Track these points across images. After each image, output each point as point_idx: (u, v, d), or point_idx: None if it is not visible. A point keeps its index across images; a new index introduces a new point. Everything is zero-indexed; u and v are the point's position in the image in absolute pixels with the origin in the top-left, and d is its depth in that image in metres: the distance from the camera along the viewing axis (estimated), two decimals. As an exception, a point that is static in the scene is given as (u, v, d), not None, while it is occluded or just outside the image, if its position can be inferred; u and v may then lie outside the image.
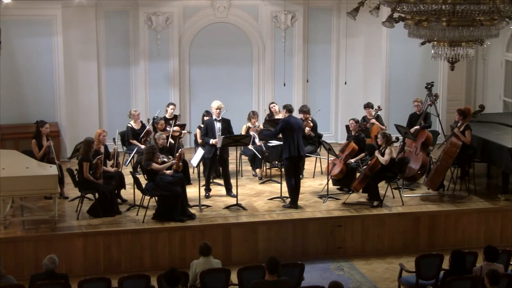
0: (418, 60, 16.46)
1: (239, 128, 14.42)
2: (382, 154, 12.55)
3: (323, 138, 14.42)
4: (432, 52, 9.80)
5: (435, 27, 9.32)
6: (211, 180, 13.54)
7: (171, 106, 14.70)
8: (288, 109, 12.83)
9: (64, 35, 15.36)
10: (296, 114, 13.68)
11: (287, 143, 12.50)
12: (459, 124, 13.28)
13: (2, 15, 14.52)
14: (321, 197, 13.20)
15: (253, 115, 14.56)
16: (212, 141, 13.08)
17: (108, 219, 12.04)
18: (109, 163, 12.79)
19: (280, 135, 12.81)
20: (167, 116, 14.56)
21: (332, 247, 12.36)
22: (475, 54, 14.66)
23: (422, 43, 10.10)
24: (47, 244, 11.39)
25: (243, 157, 14.69)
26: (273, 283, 8.57)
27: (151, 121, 14.28)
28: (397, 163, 12.84)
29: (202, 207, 12.56)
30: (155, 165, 12.02)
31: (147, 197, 12.23)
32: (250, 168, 14.63)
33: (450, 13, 9.09)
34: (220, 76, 16.54)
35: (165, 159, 12.50)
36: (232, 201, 12.85)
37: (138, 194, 12.39)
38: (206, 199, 13.03)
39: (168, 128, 13.95)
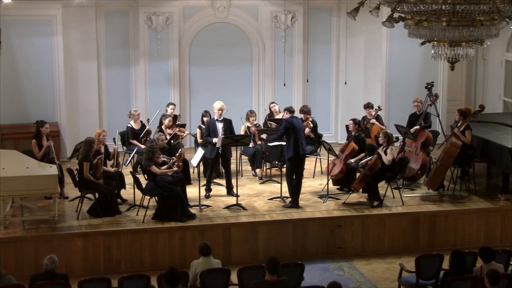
0: (418, 60, 16.46)
1: (239, 128, 14.41)
2: (385, 154, 12.56)
3: (323, 138, 14.42)
4: (432, 52, 9.80)
5: (435, 27, 9.32)
6: (211, 180, 13.53)
7: (171, 106, 14.71)
8: (290, 110, 12.86)
9: (64, 35, 15.36)
10: (296, 114, 13.67)
11: (291, 143, 12.50)
12: (459, 124, 13.28)
13: (2, 15, 14.53)
14: (321, 197, 13.20)
15: (251, 114, 14.58)
16: (215, 139, 13.08)
17: (108, 219, 12.04)
18: (109, 163, 12.79)
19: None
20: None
21: (332, 247, 12.36)
22: (475, 54, 14.66)
23: (422, 43, 10.11)
24: (47, 244, 11.39)
25: (243, 157, 14.70)
26: (273, 283, 8.57)
27: (151, 121, 14.29)
28: (397, 163, 12.84)
29: (202, 207, 12.56)
30: (154, 168, 11.99)
31: (147, 197, 12.23)
32: (250, 168, 14.63)
33: (450, 13, 9.09)
34: (220, 76, 16.55)
35: (165, 159, 12.50)
36: (232, 201, 12.85)
37: (138, 194, 12.39)
38: (206, 199, 13.03)
39: (169, 130, 13.98)
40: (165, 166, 12.38)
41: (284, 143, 13.26)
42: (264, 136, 13.95)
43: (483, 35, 9.43)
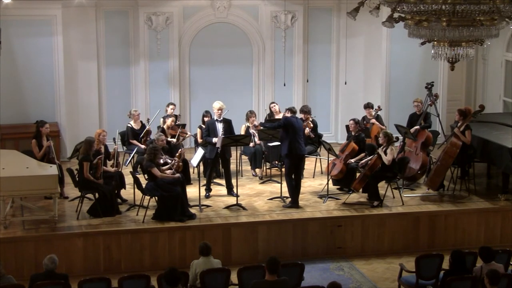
0: (418, 60, 16.46)
1: (239, 128, 14.42)
2: (385, 154, 12.56)
3: (323, 138, 14.42)
4: (432, 52, 9.80)
5: (435, 27, 9.32)
6: (211, 180, 13.52)
7: (171, 106, 14.71)
8: (291, 110, 12.88)
9: (64, 35, 15.36)
10: (296, 114, 13.66)
11: (287, 141, 12.52)
12: (459, 124, 13.28)
13: (2, 15, 14.52)
14: (321, 197, 13.20)
15: (251, 114, 14.58)
16: (215, 139, 13.09)
17: (108, 219, 12.04)
18: (109, 163, 12.79)
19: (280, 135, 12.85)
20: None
21: (332, 247, 12.36)
22: (475, 54, 14.66)
23: (422, 43, 10.11)
24: (47, 244, 11.39)
25: (243, 157, 14.70)
26: (273, 283, 8.57)
27: (151, 121, 14.30)
28: (397, 163, 12.84)
29: (202, 207, 12.56)
30: (155, 170, 11.96)
31: (147, 197, 12.23)
32: (250, 168, 14.63)
33: (450, 13, 9.09)
34: (220, 76, 16.55)
35: (168, 160, 12.51)
36: (232, 201, 12.85)
37: (138, 194, 12.39)
38: (206, 199, 13.03)
39: (171, 130, 14.01)
40: (166, 167, 12.38)
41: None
42: (256, 123, 14.12)
43: (483, 35, 9.43)
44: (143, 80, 16.11)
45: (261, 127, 13.67)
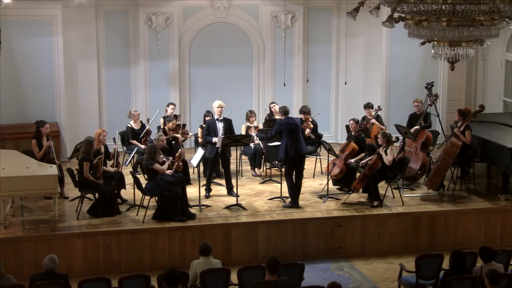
0: (418, 60, 16.47)
1: (239, 128, 14.42)
2: (385, 154, 12.56)
3: (323, 138, 14.42)
4: (432, 52, 9.80)
5: (435, 27, 9.32)
6: (211, 180, 13.52)
7: (171, 106, 14.71)
8: (283, 111, 12.87)
9: (64, 35, 15.36)
10: (296, 114, 13.66)
11: (283, 144, 12.53)
12: (459, 124, 13.29)
13: (2, 15, 14.53)
14: (321, 197, 13.20)
15: (251, 114, 14.59)
16: (214, 139, 13.09)
17: (108, 219, 12.04)
18: (109, 163, 12.79)
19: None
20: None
21: (332, 247, 12.36)
22: (475, 54, 14.67)
23: (422, 43, 10.11)
24: (47, 244, 11.39)
25: (243, 157, 14.70)
26: (273, 283, 8.57)
27: (151, 121, 14.30)
28: (397, 163, 12.84)
29: (202, 207, 12.56)
30: (157, 165, 11.99)
31: (147, 197, 12.23)
32: (250, 168, 14.62)
33: (450, 13, 9.09)
34: (220, 76, 16.55)
35: (165, 159, 12.50)
36: (232, 201, 12.85)
37: (138, 194, 12.39)
38: (206, 199, 13.03)
39: (172, 131, 14.04)
40: (165, 165, 12.38)
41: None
42: (254, 133, 14.19)
43: (483, 35, 9.42)
44: (143, 80, 16.12)
45: (261, 128, 13.70)
